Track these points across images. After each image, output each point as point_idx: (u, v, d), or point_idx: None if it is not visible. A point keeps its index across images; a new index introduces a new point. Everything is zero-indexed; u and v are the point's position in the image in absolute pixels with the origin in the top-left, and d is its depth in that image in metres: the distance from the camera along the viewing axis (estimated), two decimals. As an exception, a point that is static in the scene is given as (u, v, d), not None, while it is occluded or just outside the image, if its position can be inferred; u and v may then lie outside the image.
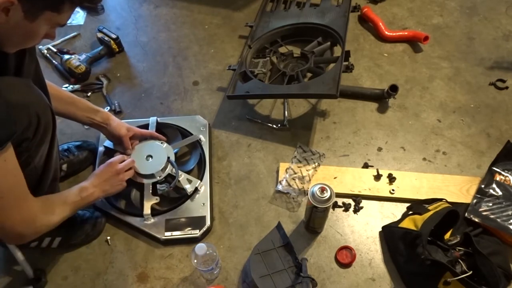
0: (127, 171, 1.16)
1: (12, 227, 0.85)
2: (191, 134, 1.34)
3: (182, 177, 1.23)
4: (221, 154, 1.39)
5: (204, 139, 1.34)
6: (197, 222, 1.19)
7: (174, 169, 1.22)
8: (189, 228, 1.18)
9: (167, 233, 1.17)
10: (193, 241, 1.17)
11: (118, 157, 1.16)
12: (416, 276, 1.08)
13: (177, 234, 1.17)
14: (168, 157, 1.23)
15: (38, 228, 0.91)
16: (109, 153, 1.31)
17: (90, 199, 1.05)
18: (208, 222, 1.19)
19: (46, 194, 1.04)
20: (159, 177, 1.21)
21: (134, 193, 1.25)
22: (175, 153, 1.32)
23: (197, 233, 1.17)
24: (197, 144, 1.33)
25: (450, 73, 1.58)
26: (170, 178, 1.23)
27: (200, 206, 1.22)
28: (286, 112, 1.46)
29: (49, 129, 0.90)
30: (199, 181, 1.24)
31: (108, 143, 1.31)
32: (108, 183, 1.10)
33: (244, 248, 1.19)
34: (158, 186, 1.21)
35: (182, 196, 1.23)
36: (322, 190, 1.04)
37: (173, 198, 1.25)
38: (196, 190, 1.23)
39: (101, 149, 1.33)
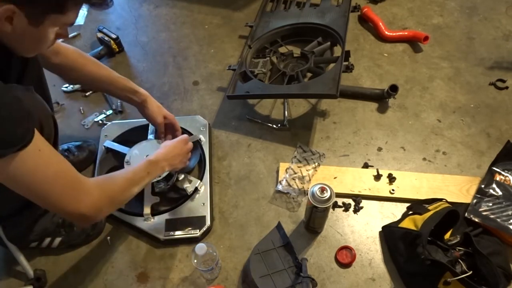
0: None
1: (75, 210, 0.81)
2: (191, 134, 1.34)
3: (182, 177, 1.23)
4: (221, 154, 1.39)
5: (204, 139, 1.34)
6: (197, 222, 1.19)
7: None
8: (189, 228, 1.18)
9: (167, 233, 1.17)
10: (193, 241, 1.17)
11: (185, 136, 1.16)
12: (416, 276, 1.08)
13: (177, 234, 1.17)
14: None
15: (102, 209, 0.86)
16: (110, 153, 1.31)
17: (157, 173, 1.03)
18: (208, 222, 1.19)
19: None
20: (159, 176, 1.21)
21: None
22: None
23: (197, 233, 1.17)
24: (197, 144, 1.33)
25: (450, 73, 1.58)
26: (170, 178, 1.23)
27: (200, 206, 1.22)
28: (286, 112, 1.46)
29: (50, 139, 0.90)
30: (199, 181, 1.24)
31: (108, 143, 1.31)
32: (178, 158, 1.09)
33: (244, 248, 1.19)
34: (155, 183, 1.21)
35: (182, 196, 1.23)
36: (322, 190, 1.04)
37: (173, 198, 1.25)
38: (196, 190, 1.23)
39: (101, 149, 1.33)
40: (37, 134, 0.74)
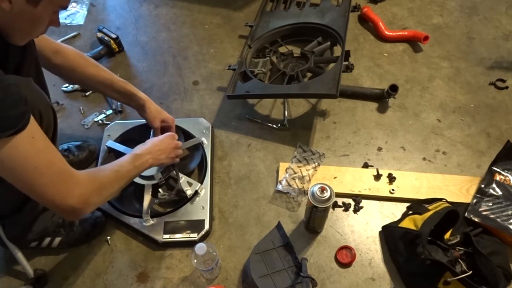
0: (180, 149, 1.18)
1: (63, 202, 0.81)
2: (194, 136, 1.34)
3: (183, 179, 1.23)
4: (221, 154, 1.39)
5: (206, 142, 1.34)
6: (196, 225, 1.18)
7: (174, 172, 1.21)
8: (188, 231, 1.17)
9: (166, 236, 1.16)
10: (191, 244, 1.16)
11: (174, 134, 1.18)
12: (416, 276, 1.08)
13: (175, 237, 1.16)
14: None
15: (90, 201, 0.86)
16: (112, 153, 1.31)
17: (144, 166, 1.03)
18: (207, 226, 1.18)
19: None
20: (159, 179, 1.21)
21: (134, 194, 1.25)
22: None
23: (195, 236, 1.16)
24: (200, 146, 1.33)
25: (450, 73, 1.58)
26: (171, 180, 1.23)
27: (199, 209, 1.21)
28: (286, 112, 1.46)
29: (50, 129, 0.90)
30: (200, 184, 1.23)
31: (110, 143, 1.31)
32: (164, 153, 1.09)
33: (244, 248, 1.19)
34: (159, 194, 1.20)
35: (181, 199, 1.23)
36: (322, 190, 1.04)
37: (173, 200, 1.24)
38: (196, 193, 1.23)
39: (104, 148, 1.32)
40: (32, 121, 0.74)
